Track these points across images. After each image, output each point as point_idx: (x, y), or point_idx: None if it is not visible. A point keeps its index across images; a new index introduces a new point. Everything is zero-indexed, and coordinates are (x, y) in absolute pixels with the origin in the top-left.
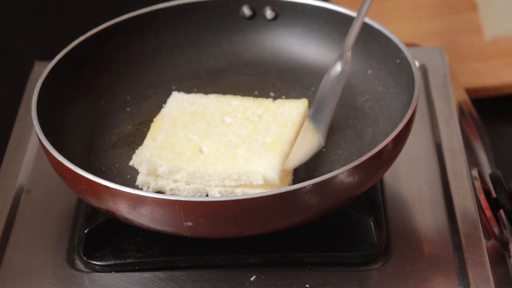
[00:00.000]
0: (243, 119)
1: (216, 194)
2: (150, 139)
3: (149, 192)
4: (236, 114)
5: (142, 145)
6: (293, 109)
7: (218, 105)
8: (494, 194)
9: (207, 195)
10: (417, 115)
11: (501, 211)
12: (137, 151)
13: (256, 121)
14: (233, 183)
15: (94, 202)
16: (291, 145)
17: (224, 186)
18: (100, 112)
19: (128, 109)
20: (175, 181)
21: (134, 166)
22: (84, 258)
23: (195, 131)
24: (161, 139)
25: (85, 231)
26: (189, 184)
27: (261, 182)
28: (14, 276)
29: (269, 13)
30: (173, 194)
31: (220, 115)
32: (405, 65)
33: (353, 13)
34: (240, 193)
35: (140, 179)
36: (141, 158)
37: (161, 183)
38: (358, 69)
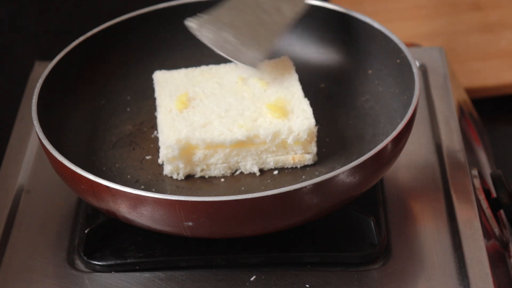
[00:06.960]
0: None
1: (249, 167)
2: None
3: (149, 192)
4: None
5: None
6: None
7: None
8: (494, 194)
9: (241, 172)
10: (417, 115)
11: (501, 211)
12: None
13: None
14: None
15: (95, 202)
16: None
17: (259, 155)
18: (100, 112)
19: (128, 109)
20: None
21: (164, 162)
22: (85, 258)
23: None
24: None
25: (85, 231)
26: (224, 164)
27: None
28: (14, 276)
29: None
30: (174, 194)
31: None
32: (405, 65)
33: (353, 13)
34: (272, 163)
35: (168, 168)
36: (172, 152)
37: (191, 167)
38: (358, 69)
